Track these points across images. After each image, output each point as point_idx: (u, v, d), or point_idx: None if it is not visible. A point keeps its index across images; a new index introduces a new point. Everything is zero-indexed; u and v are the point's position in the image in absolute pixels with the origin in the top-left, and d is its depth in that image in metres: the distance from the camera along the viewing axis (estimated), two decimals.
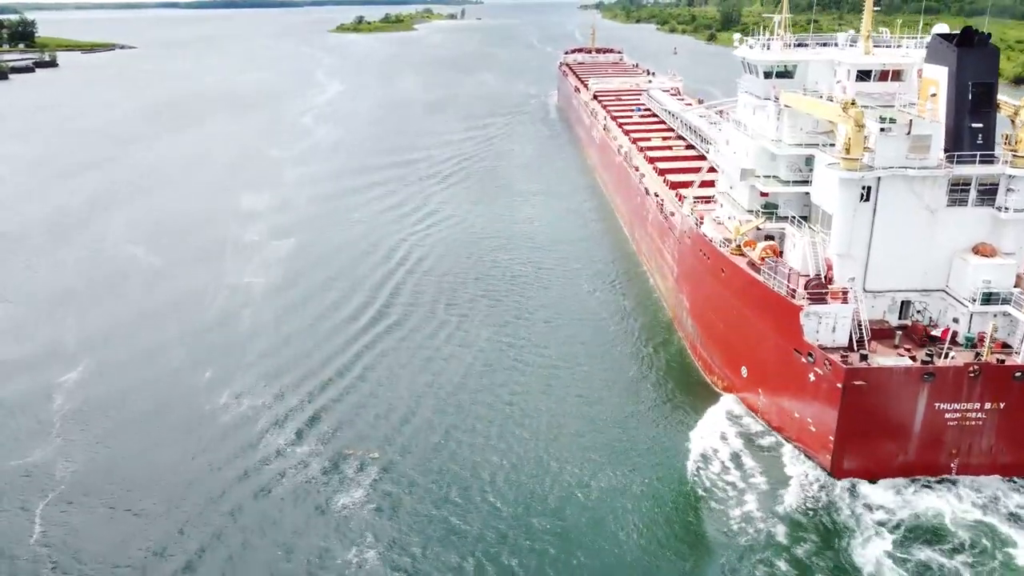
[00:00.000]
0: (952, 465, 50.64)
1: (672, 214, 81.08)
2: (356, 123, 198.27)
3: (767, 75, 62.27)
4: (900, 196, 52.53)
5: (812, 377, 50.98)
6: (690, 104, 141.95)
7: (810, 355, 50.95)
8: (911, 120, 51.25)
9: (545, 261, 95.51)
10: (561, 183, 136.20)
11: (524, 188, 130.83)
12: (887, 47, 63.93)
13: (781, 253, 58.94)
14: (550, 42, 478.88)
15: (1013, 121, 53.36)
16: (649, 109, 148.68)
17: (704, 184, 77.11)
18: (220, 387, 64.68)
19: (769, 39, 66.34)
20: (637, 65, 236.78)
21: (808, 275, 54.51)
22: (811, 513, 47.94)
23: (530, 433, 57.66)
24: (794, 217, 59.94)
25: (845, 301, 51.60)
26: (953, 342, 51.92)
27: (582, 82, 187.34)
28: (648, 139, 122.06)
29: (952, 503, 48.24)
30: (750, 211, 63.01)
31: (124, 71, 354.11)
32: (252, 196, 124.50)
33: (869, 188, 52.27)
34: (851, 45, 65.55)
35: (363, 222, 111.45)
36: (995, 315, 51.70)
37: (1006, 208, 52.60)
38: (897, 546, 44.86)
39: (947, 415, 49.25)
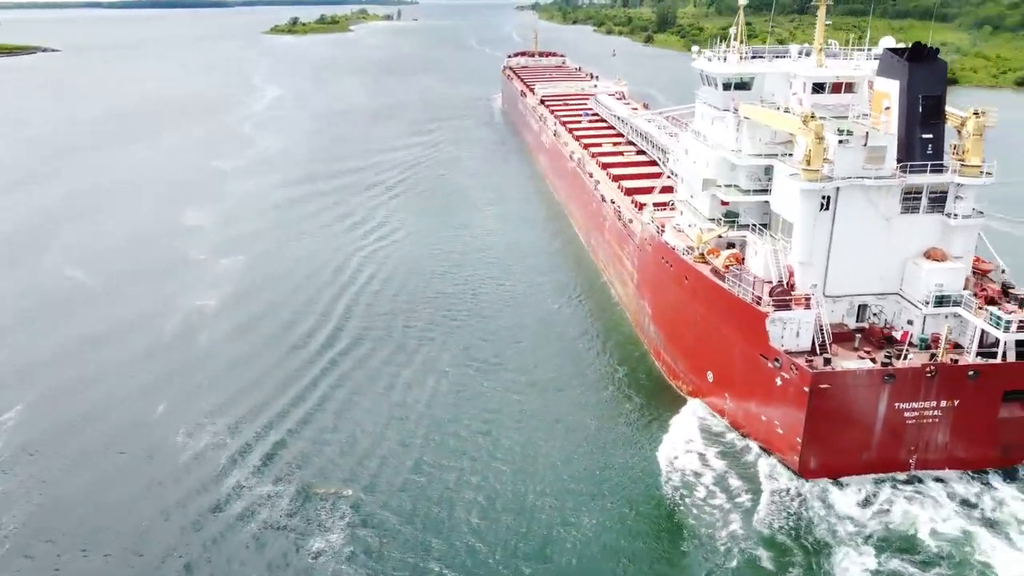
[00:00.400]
0: (911, 461, 53.24)
1: (631, 221, 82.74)
2: (298, 131, 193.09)
3: (725, 87, 64.25)
4: (857, 205, 55.00)
5: (779, 381, 52.92)
6: (637, 109, 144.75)
7: (776, 360, 52.90)
8: (867, 132, 53.72)
9: (502, 272, 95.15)
10: (513, 190, 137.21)
11: (476, 197, 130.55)
12: (836, 58, 66.61)
13: (743, 261, 60.91)
14: (489, 44, 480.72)
15: (959, 131, 56.38)
16: (597, 114, 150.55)
17: (664, 190, 78.79)
18: (174, 421, 61.88)
19: (726, 51, 68.38)
20: (580, 69, 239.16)
21: (771, 282, 56.63)
22: (783, 514, 49.76)
23: (503, 458, 56.41)
24: (754, 225, 62.06)
25: (808, 307, 53.75)
26: (909, 343, 54.70)
27: (528, 87, 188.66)
28: (599, 145, 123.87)
29: (913, 497, 50.82)
30: (711, 219, 64.90)
31: (51, 77, 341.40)
32: (197, 211, 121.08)
33: (828, 198, 54.61)
34: (803, 56, 68.12)
35: (314, 238, 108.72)
36: (947, 316, 54.56)
37: (955, 215, 55.55)
38: (865, 541, 47.02)
39: (906, 414, 51.77)
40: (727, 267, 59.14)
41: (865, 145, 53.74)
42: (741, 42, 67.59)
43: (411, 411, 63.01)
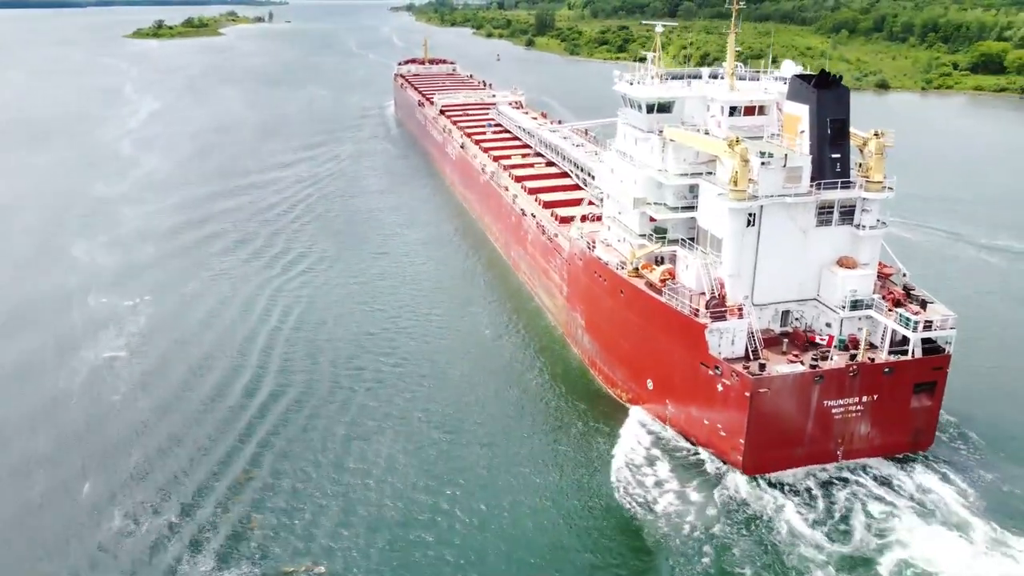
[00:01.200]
0: (839, 452, 58.98)
1: (556, 236, 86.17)
2: (183, 150, 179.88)
3: (649, 110, 68.47)
4: (779, 220, 60.28)
5: (720, 387, 57.42)
6: (537, 119, 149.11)
7: (716, 368, 57.36)
8: (786, 154, 58.98)
9: (426, 296, 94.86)
10: (422, 203, 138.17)
11: (386, 215, 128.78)
12: (745, 80, 72.21)
13: (675, 275, 65.24)
14: (370, 48, 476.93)
15: (862, 150, 62.66)
16: (500, 124, 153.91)
17: (589, 203, 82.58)
18: (106, 503, 55.45)
19: (643, 75, 72.73)
20: (472, 76, 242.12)
21: (703, 294, 61.12)
22: (733, 510, 54.29)
23: (473, 511, 55.75)
24: (682, 239, 66.57)
25: (741, 316, 58.50)
26: (830, 345, 60.53)
27: (426, 97, 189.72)
28: (508, 157, 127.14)
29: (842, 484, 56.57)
30: (642, 235, 68.99)
31: None
32: (84, 243, 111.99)
33: (754, 215, 59.55)
34: (717, 79, 73.41)
35: (220, 272, 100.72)
36: (861, 319, 60.63)
37: (862, 225, 61.75)
38: (812, 527, 52.13)
39: (833, 410, 57.37)
40: (663, 281, 63.27)
41: (785, 166, 59.00)
42: (658, 65, 72.07)
43: (368, 471, 59.98)
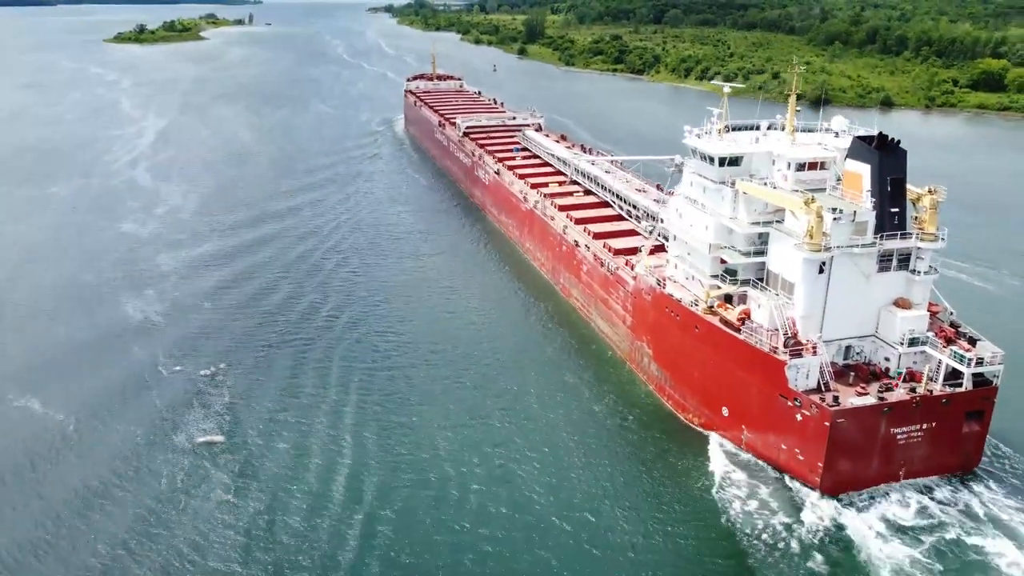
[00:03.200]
0: (901, 473, 68.20)
1: (617, 269, 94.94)
2: (204, 183, 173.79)
3: (720, 163, 77.45)
4: (846, 268, 69.46)
5: (799, 417, 66.41)
6: (558, 142, 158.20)
7: (796, 400, 66.36)
8: (855, 211, 68.17)
9: (487, 324, 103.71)
10: (461, 235, 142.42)
11: (426, 249, 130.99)
12: (806, 132, 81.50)
13: (750, 314, 74.15)
14: (362, 56, 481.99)
15: (915, 204, 72.04)
16: (527, 149, 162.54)
17: (631, 235, 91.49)
18: None
19: (710, 128, 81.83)
20: (480, 93, 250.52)
21: (775, 331, 70.04)
22: (815, 523, 63.50)
23: (554, 513, 64.64)
24: (751, 280, 75.57)
25: (815, 353, 67.57)
26: (886, 376, 69.91)
27: (446, 118, 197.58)
28: (546, 185, 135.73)
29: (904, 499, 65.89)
30: (714, 276, 77.98)
31: None
32: (136, 301, 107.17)
33: (824, 263, 68.66)
34: (776, 130, 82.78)
35: (287, 343, 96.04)
36: (916, 353, 69.97)
37: (917, 271, 71.16)
38: (886, 539, 61.18)
39: (898, 436, 66.57)
40: (740, 320, 72.23)
41: (853, 221, 68.23)
42: (724, 121, 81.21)
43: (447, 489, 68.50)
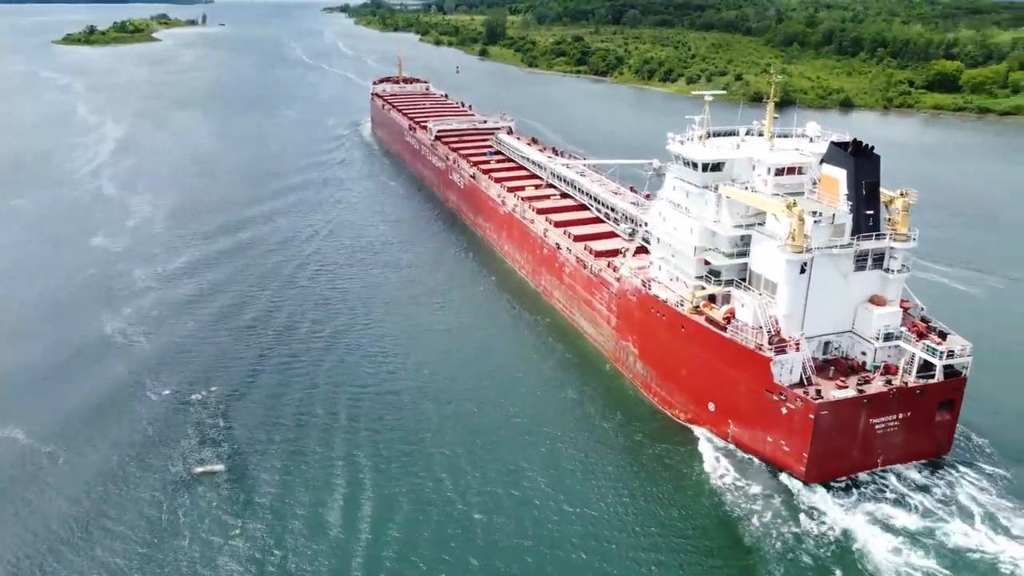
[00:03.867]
0: (879, 460, 72.62)
1: (600, 271, 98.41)
2: (172, 194, 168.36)
3: (704, 169, 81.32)
4: (825, 267, 73.73)
5: (784, 410, 70.44)
6: (543, 150, 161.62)
7: (781, 394, 70.39)
8: (834, 213, 72.46)
9: (468, 328, 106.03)
10: (437, 239, 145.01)
11: (405, 257, 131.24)
12: (783, 138, 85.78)
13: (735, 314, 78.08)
14: (321, 58, 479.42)
15: (888, 206, 76.61)
16: (500, 152, 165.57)
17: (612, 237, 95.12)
18: None
19: (691, 135, 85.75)
20: (447, 96, 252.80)
21: (759, 329, 74.01)
22: (800, 508, 67.70)
23: (567, 510, 67.99)
24: (734, 280, 79.55)
25: (798, 349, 71.68)
26: (863, 369, 74.39)
27: (416, 122, 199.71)
28: (523, 188, 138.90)
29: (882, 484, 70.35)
30: (698, 277, 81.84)
31: None
32: (116, 322, 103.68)
33: (806, 263, 72.81)
34: (748, 135, 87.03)
35: (273, 354, 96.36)
36: (891, 348, 74.50)
37: (890, 270, 75.73)
38: (862, 521, 65.58)
39: (876, 426, 70.96)
40: (726, 319, 76.12)
41: (832, 223, 72.51)
42: (708, 132, 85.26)
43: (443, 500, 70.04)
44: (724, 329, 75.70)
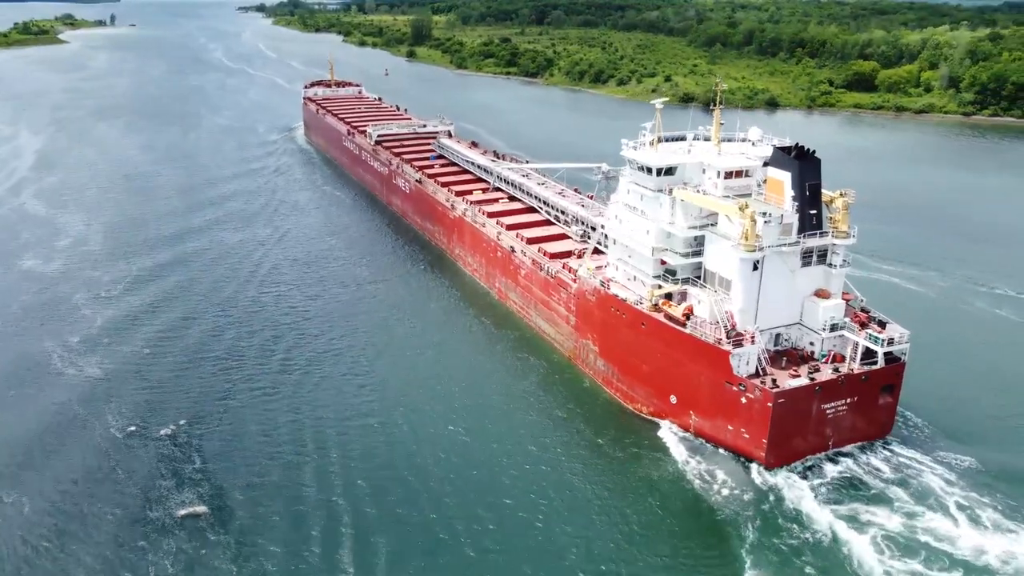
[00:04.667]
0: (830, 443, 78.67)
1: (557, 273, 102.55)
2: (104, 211, 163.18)
3: (658, 173, 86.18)
4: (775, 264, 79.41)
5: (744, 400, 75.74)
6: (484, 153, 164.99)
7: (741, 385, 75.67)
8: (782, 214, 78.13)
9: (427, 328, 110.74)
10: (386, 246, 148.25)
11: (356, 267, 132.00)
12: (729, 142, 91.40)
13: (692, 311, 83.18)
14: (244, 61, 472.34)
15: (828, 205, 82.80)
16: (443, 157, 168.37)
17: (562, 239, 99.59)
18: None
19: (642, 142, 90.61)
20: (380, 99, 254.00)
21: (716, 323, 79.24)
22: (763, 491, 73.02)
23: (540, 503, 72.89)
24: (689, 278, 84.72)
25: (753, 342, 77.12)
26: (812, 358, 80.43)
27: (354, 127, 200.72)
28: (471, 192, 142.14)
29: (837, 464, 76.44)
30: (656, 276, 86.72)
31: None
32: (62, 351, 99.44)
33: (758, 261, 78.32)
34: (696, 140, 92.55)
35: (236, 383, 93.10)
36: (836, 337, 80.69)
37: (832, 265, 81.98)
38: (825, 500, 71.32)
39: (827, 411, 76.93)
40: (685, 315, 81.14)
41: (780, 223, 78.20)
42: (659, 138, 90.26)
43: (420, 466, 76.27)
44: (684, 325, 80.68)
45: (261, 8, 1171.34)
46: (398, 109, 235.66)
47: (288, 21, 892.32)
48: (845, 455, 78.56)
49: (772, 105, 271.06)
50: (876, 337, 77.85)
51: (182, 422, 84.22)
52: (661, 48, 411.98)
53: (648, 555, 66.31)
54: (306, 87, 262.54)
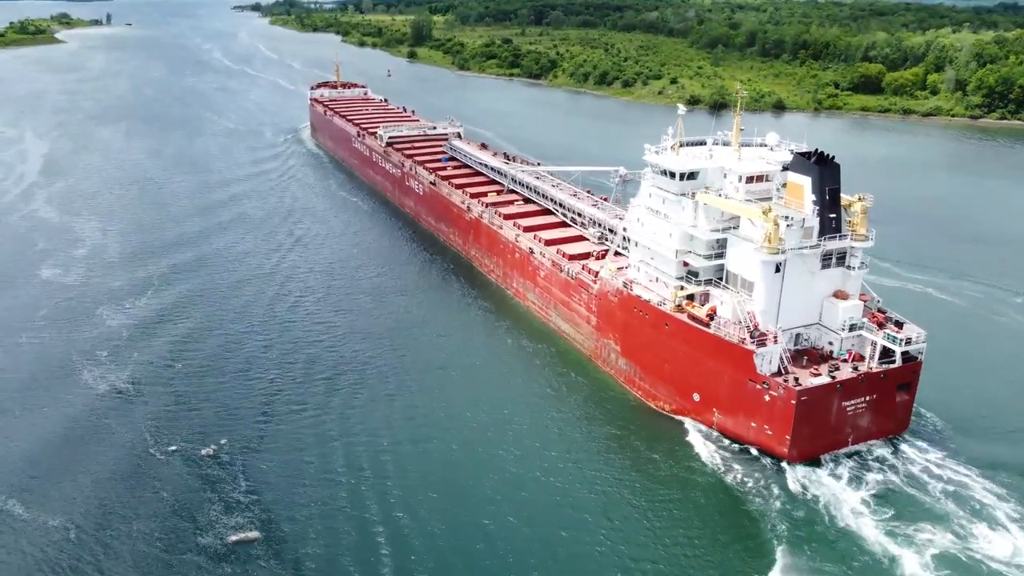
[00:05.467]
0: (849, 439, 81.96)
1: (578, 273, 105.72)
2: (117, 212, 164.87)
3: (681, 177, 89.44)
4: (796, 266, 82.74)
5: (767, 398, 78.98)
6: (495, 155, 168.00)
7: (764, 383, 78.91)
8: (803, 218, 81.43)
9: (455, 331, 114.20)
10: (404, 248, 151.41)
11: (376, 270, 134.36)
12: (749, 147, 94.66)
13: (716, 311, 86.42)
14: (244, 63, 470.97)
15: (847, 209, 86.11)
16: (455, 159, 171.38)
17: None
18: None
19: (664, 146, 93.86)
20: (386, 100, 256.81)
21: (739, 324, 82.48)
22: (787, 484, 76.35)
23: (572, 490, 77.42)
24: (711, 280, 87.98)
25: (775, 341, 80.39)
26: (831, 357, 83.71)
27: (364, 128, 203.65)
28: (485, 194, 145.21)
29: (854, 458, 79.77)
30: (679, 278, 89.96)
31: None
32: (95, 370, 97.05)
33: (780, 264, 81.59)
34: (716, 145, 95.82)
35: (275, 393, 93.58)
36: (855, 337, 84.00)
37: (851, 267, 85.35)
38: (842, 494, 74.77)
39: (847, 408, 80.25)
40: (709, 316, 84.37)
41: (802, 226, 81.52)
42: (679, 138, 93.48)
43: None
44: (708, 325, 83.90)
45: (257, 7, 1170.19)
46: (405, 111, 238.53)
47: (285, 21, 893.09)
48: (864, 451, 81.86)
49: (779, 108, 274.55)
50: (894, 337, 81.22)
51: (223, 441, 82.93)
52: (663, 49, 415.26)
53: (670, 540, 69.89)
54: (312, 88, 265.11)
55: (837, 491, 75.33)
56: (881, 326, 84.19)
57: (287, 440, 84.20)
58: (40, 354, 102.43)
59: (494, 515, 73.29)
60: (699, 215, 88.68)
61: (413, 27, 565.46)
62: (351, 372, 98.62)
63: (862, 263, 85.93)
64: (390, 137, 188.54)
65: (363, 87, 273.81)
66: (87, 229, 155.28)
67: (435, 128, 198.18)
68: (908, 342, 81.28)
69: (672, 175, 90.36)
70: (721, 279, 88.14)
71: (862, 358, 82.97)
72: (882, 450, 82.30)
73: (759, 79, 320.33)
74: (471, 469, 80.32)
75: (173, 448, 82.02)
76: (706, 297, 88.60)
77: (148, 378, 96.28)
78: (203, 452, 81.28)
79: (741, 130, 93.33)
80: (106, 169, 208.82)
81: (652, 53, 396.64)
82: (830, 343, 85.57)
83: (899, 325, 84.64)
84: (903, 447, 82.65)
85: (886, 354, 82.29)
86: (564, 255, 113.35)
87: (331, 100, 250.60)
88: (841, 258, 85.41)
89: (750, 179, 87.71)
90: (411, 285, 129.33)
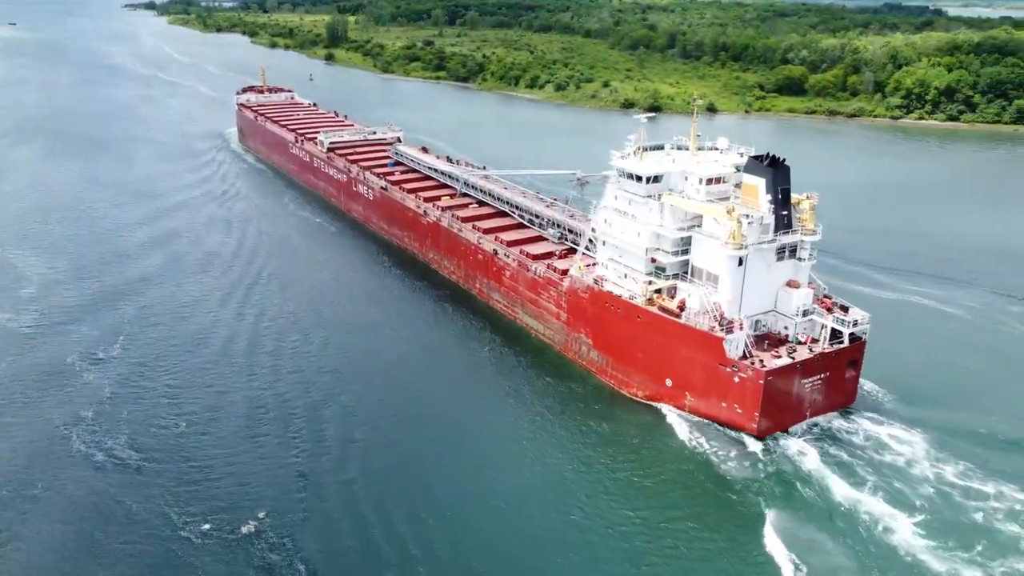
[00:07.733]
0: (807, 413, 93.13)
1: (546, 272, 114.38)
2: (57, 243, 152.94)
3: (647, 180, 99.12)
4: (755, 260, 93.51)
5: (737, 379, 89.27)
6: (438, 159, 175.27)
7: (733, 367, 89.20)
8: (761, 216, 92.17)
9: (423, 332, 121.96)
10: (357, 254, 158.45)
11: (334, 278, 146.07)
12: (703, 151, 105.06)
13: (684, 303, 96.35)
14: (155, 67, 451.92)
15: (796, 207, 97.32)
16: (401, 163, 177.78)
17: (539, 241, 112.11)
18: None
19: (628, 151, 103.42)
20: (315, 104, 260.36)
21: (706, 314, 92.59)
22: (758, 457, 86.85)
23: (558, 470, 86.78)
24: (678, 274, 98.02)
25: (740, 328, 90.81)
26: (787, 341, 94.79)
27: (302, 134, 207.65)
28: (438, 198, 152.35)
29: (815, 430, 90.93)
30: (648, 273, 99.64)
31: None
32: (89, 436, 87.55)
33: (742, 258, 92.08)
34: (675, 150, 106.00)
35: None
36: (807, 322, 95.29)
37: (801, 259, 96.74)
38: (804, 456, 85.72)
39: (806, 385, 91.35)
40: (680, 308, 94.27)
41: (760, 223, 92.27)
42: (643, 148, 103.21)
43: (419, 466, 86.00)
44: (679, 316, 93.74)
45: (151, 6, 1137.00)
46: (337, 115, 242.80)
47: (185, 20, 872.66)
48: (821, 422, 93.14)
49: (711, 111, 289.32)
50: (843, 320, 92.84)
51: (261, 515, 75.37)
52: (587, 51, 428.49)
53: (655, 513, 79.11)
54: (238, 93, 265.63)
55: (799, 458, 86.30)
56: (830, 311, 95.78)
57: (330, 507, 77.59)
58: (17, 418, 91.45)
59: (479, 505, 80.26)
60: (665, 215, 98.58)
61: (328, 28, 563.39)
62: (325, 377, 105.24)
63: (810, 255, 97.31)
64: (331, 143, 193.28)
65: (290, 91, 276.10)
66: (28, 265, 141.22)
67: (375, 133, 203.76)
68: (855, 324, 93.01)
69: (639, 178, 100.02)
70: (687, 273, 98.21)
71: (815, 340, 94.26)
72: (837, 421, 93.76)
73: (686, 81, 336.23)
74: (452, 464, 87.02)
75: (206, 528, 73.40)
76: (673, 290, 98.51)
77: (152, 443, 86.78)
78: (244, 530, 72.58)
79: (698, 135, 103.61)
80: (29, 194, 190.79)
81: (577, 55, 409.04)
82: (785, 328, 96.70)
83: (844, 309, 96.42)
84: (853, 416, 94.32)
85: (834, 335, 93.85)
86: (528, 255, 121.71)
87: (259, 105, 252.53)
88: (793, 251, 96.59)
89: (710, 181, 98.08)
90: (373, 289, 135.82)
